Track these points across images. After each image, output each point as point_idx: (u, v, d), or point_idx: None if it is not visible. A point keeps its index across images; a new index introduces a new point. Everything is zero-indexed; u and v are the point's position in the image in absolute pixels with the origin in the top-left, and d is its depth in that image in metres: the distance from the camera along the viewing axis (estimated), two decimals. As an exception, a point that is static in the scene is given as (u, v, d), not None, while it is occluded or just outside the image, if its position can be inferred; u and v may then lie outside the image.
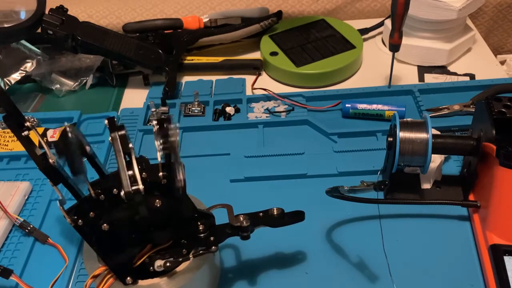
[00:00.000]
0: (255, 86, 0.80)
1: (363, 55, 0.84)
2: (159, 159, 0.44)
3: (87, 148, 0.43)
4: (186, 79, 0.83)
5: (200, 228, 0.45)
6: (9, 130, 0.70)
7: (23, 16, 0.75)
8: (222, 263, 0.53)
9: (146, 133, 0.71)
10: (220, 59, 0.84)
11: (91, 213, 0.42)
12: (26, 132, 0.39)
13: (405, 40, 0.73)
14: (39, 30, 0.75)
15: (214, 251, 0.46)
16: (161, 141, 0.38)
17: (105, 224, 0.42)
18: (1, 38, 0.75)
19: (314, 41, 0.84)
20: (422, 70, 0.81)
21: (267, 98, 0.76)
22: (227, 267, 0.53)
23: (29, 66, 0.82)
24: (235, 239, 0.47)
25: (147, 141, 0.70)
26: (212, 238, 0.46)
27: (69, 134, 0.38)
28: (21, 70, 0.82)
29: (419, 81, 0.79)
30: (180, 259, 0.44)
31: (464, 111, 0.70)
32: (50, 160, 0.40)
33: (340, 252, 0.54)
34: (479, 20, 0.99)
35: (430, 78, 0.80)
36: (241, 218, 0.45)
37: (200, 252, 0.45)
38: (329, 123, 0.70)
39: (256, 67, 0.83)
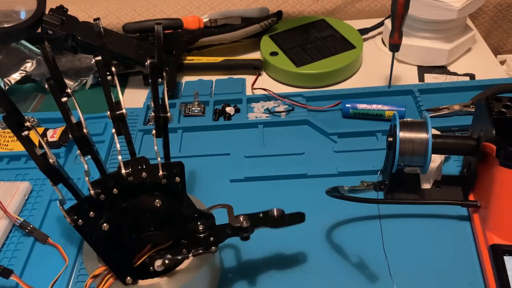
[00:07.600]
0: (255, 86, 0.80)
1: (363, 55, 0.84)
2: (158, 159, 0.44)
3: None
4: (186, 79, 0.83)
5: (200, 228, 0.45)
6: (9, 130, 0.70)
7: (23, 16, 0.75)
8: (222, 263, 0.53)
9: (146, 133, 0.71)
10: (220, 59, 0.84)
11: (91, 213, 0.42)
12: (26, 132, 0.39)
13: (405, 40, 0.73)
14: (39, 30, 0.75)
15: (213, 251, 0.45)
16: None
17: (105, 224, 0.43)
18: (1, 38, 0.75)
19: (314, 41, 0.84)
20: (422, 70, 0.81)
21: (267, 98, 0.76)
22: (227, 267, 0.53)
23: (29, 66, 0.82)
24: (235, 239, 0.47)
25: (147, 141, 0.70)
26: (211, 239, 0.46)
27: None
28: (21, 70, 0.82)
29: (419, 81, 0.79)
30: (179, 257, 0.44)
31: (464, 111, 0.70)
32: (50, 160, 0.40)
33: (340, 252, 0.54)
34: (479, 20, 0.99)
35: (430, 78, 0.79)
36: (241, 218, 0.45)
37: (200, 251, 0.45)
38: (329, 123, 0.70)
39: (256, 67, 0.83)
